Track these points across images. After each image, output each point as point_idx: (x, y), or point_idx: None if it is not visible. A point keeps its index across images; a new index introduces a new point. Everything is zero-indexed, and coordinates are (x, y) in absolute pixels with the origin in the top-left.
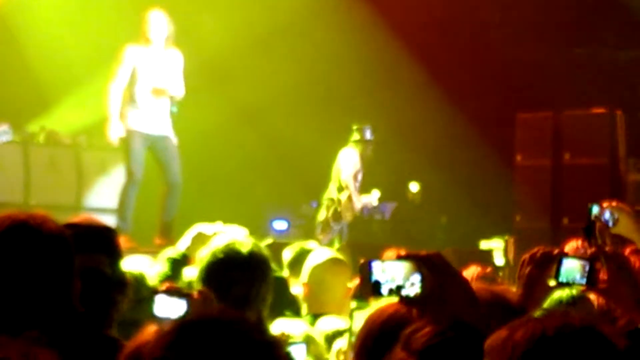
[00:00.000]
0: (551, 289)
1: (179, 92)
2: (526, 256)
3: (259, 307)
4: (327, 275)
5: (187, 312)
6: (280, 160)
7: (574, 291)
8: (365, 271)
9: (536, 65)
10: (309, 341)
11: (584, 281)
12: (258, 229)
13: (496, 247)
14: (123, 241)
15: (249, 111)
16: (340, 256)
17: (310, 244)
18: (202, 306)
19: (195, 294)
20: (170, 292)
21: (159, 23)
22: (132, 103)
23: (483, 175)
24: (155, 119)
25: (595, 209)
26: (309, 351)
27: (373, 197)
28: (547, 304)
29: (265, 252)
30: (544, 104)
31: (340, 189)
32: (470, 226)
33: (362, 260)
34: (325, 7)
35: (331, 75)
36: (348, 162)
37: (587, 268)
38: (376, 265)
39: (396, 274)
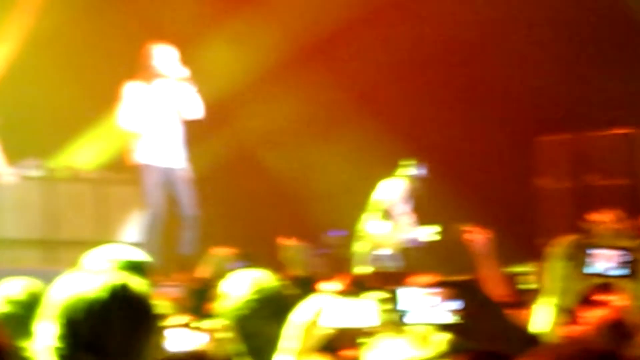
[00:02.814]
0: (584, 279)
1: (198, 113)
2: (555, 248)
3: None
4: None
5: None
6: (305, 188)
7: None
8: (393, 298)
9: (555, 88)
10: None
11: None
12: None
13: (521, 270)
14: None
15: (274, 139)
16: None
17: None
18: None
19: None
20: (180, 326)
21: (165, 56)
22: (143, 137)
23: (506, 200)
24: (165, 151)
25: None
26: None
27: (428, 231)
28: None
29: (290, 287)
30: (564, 126)
31: (380, 218)
32: (496, 251)
33: (388, 288)
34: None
35: (359, 104)
36: (388, 193)
37: (625, 258)
38: (404, 292)
39: (428, 301)
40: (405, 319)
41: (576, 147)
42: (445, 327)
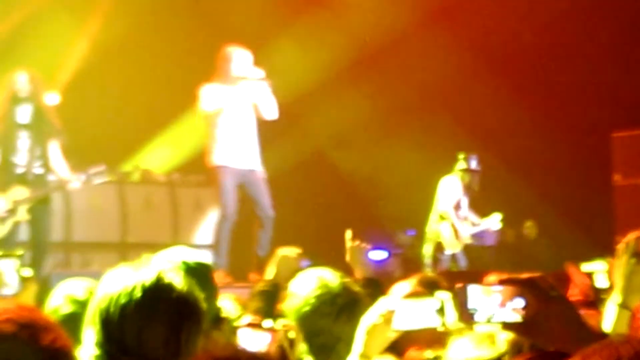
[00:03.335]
0: None
1: (274, 114)
2: (622, 245)
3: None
4: None
5: (268, 347)
6: (376, 188)
7: None
8: (462, 296)
9: (631, 82)
10: None
11: None
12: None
13: (598, 269)
14: (220, 276)
15: (344, 139)
16: (419, 289)
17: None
18: (285, 341)
19: (278, 327)
20: (253, 325)
21: (241, 59)
22: (219, 139)
23: (582, 197)
24: (243, 153)
25: None
26: None
27: (493, 221)
28: None
29: (355, 287)
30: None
31: (441, 218)
32: (572, 248)
33: (458, 285)
34: (416, 32)
35: (429, 102)
36: (447, 191)
37: None
38: (473, 290)
39: (495, 299)
40: (475, 318)
41: None
42: (510, 326)
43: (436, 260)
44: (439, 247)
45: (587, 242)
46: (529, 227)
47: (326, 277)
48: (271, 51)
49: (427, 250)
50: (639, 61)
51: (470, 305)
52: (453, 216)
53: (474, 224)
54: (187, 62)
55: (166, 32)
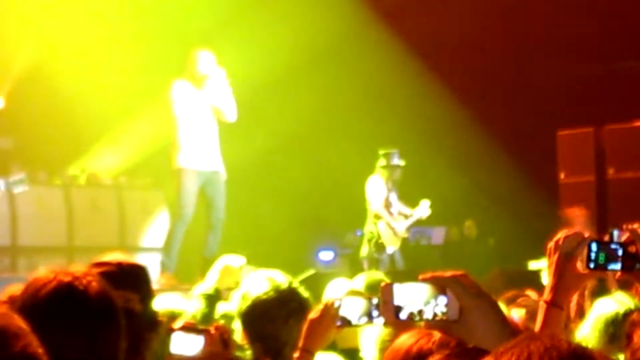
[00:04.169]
0: (582, 277)
1: (232, 116)
2: (552, 244)
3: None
4: None
5: (203, 349)
6: (323, 189)
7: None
8: (387, 294)
9: (575, 81)
10: None
11: (618, 266)
12: (304, 261)
13: (544, 267)
14: (165, 278)
15: (290, 140)
16: (357, 289)
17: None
18: (219, 343)
19: (212, 329)
20: (186, 329)
21: (207, 61)
22: (183, 141)
23: (527, 195)
24: (206, 155)
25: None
26: None
27: (423, 208)
28: (598, 322)
29: (303, 291)
30: (585, 119)
31: (376, 218)
32: (519, 247)
33: (384, 284)
34: (358, 34)
35: (371, 101)
36: (373, 191)
37: (619, 252)
38: (398, 288)
39: (419, 297)
40: (400, 316)
41: (598, 140)
42: (434, 324)
43: (375, 261)
44: (379, 247)
45: (534, 241)
46: (469, 227)
47: (277, 280)
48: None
49: (364, 252)
50: (586, 56)
51: (396, 302)
52: (385, 214)
53: (407, 217)
54: (136, 64)
55: (115, 32)
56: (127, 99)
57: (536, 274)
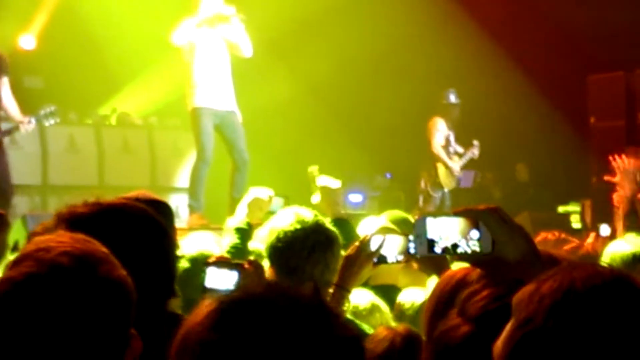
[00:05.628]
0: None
1: (249, 52)
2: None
3: (326, 279)
4: None
5: (237, 283)
6: (353, 132)
7: None
8: (420, 228)
9: (605, 26)
10: (374, 310)
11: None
12: None
13: (573, 210)
14: (195, 219)
15: (319, 83)
16: (390, 224)
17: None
18: (254, 277)
19: (245, 264)
20: (220, 263)
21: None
22: (197, 80)
23: (559, 140)
24: (221, 95)
25: None
26: (375, 320)
27: (475, 148)
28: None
29: (330, 226)
30: (615, 64)
31: (436, 158)
32: (550, 191)
33: (417, 217)
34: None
35: (404, 46)
36: (434, 132)
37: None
38: (431, 222)
39: (452, 231)
40: (434, 249)
41: (628, 84)
42: (467, 257)
43: (428, 198)
44: (436, 186)
45: (566, 185)
46: (520, 170)
47: (303, 215)
48: None
49: (421, 187)
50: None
51: (429, 236)
52: (444, 155)
53: (460, 156)
54: (167, 5)
55: None
56: (158, 40)
57: (565, 217)
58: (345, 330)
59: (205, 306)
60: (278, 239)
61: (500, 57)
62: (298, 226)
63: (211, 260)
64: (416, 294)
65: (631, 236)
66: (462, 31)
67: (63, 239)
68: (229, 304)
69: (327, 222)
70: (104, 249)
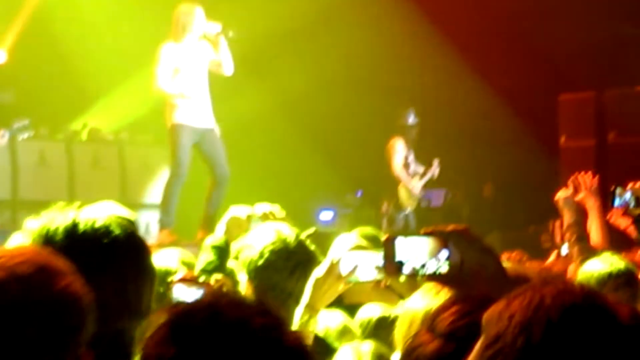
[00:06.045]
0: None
1: (229, 70)
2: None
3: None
4: None
5: None
6: (325, 149)
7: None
8: (389, 249)
9: (577, 46)
10: (345, 332)
11: None
12: (304, 220)
13: (544, 230)
14: (165, 235)
15: (292, 100)
16: (362, 240)
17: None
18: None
19: (212, 282)
20: (186, 281)
21: (197, 15)
22: (177, 97)
23: (529, 159)
24: (200, 112)
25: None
26: (347, 341)
27: (435, 166)
28: (593, 277)
29: (310, 244)
30: (586, 84)
31: (397, 180)
32: (520, 210)
33: (386, 238)
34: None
35: (373, 62)
36: (392, 154)
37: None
38: (400, 242)
39: (421, 251)
40: (403, 270)
41: (599, 104)
42: (436, 277)
43: (392, 220)
44: (397, 207)
45: (535, 205)
46: (488, 189)
47: (283, 232)
48: (226, 9)
49: (384, 210)
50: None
51: (398, 257)
52: (404, 176)
53: (421, 176)
54: (139, 20)
55: None
56: (130, 54)
57: (535, 237)
58: (291, 337)
59: (157, 320)
60: (260, 256)
61: (470, 75)
62: (281, 245)
63: (178, 278)
64: (373, 309)
65: (607, 255)
66: (432, 49)
67: (28, 250)
68: (177, 315)
69: (307, 240)
70: (66, 264)
